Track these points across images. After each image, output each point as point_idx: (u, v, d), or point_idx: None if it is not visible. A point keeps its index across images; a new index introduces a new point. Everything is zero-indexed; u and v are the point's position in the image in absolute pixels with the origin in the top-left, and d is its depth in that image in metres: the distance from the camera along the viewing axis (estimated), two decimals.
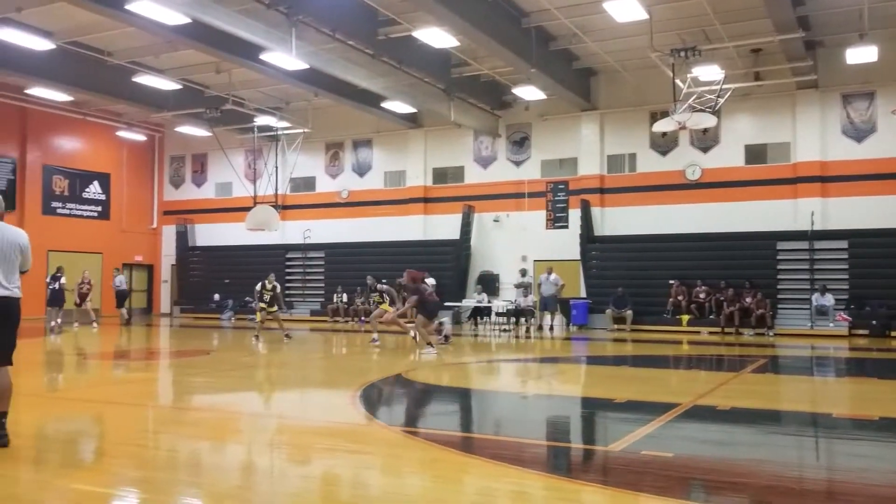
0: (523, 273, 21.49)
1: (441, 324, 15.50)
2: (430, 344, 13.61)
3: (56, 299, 19.37)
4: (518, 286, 20.97)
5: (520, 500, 4.77)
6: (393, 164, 26.43)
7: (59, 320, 19.39)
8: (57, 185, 26.84)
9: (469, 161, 25.28)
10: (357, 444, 6.34)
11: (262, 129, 25.54)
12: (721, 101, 17.09)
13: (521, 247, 23.84)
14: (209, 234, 29.39)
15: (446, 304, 22.14)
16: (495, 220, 24.56)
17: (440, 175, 25.75)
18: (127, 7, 14.97)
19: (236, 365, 12.82)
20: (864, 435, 7.05)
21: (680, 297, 20.89)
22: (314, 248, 27.06)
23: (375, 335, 15.50)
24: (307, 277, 27.21)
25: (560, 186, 23.43)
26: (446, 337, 15.25)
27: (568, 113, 23.38)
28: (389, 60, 18.91)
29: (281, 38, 16.29)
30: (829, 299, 19.66)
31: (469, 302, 21.93)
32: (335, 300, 24.96)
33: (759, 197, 21.34)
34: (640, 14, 15.74)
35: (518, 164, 24.55)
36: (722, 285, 20.49)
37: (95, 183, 28.18)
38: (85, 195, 27.82)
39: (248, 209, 24.74)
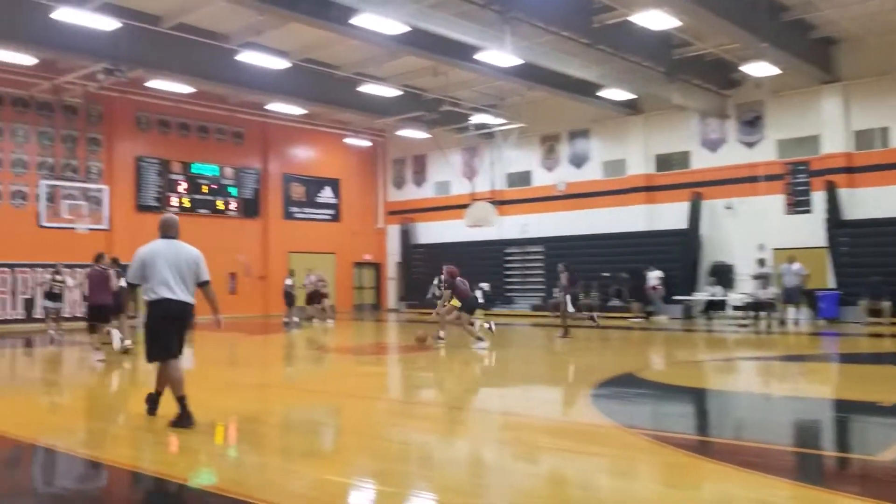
0: (761, 263, 19.83)
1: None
2: (479, 338, 13.59)
3: (290, 298, 21.21)
4: (756, 277, 19.40)
5: None
6: (612, 154, 25.66)
7: (294, 318, 21.09)
8: (294, 191, 29.13)
9: (695, 145, 23.88)
10: (590, 445, 6.08)
11: (478, 126, 25.89)
12: None
13: (757, 234, 22.09)
14: (430, 231, 30.39)
15: (674, 297, 21.13)
16: (727, 207, 22.97)
17: (663, 162, 24.58)
18: (351, 21, 15.78)
19: (464, 360, 12.98)
20: None
21: None
22: (532, 242, 27.00)
23: (441, 332, 14.52)
24: (526, 272, 27.23)
25: (800, 167, 21.39)
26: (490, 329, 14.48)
27: (806, 87, 21.27)
28: (605, 48, 18.35)
29: (495, 36, 16.37)
30: None
31: (701, 295, 20.68)
32: (556, 294, 24.70)
33: None
34: None
35: (750, 145, 22.78)
36: None
37: (328, 188, 30.22)
38: (318, 200, 29.93)
39: (466, 206, 25.21)
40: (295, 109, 24.76)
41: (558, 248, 25.94)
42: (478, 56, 18.15)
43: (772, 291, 18.92)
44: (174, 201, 24.92)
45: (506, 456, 5.98)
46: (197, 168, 25.77)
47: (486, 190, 25.75)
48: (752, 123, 22.66)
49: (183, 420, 6.58)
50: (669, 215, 23.75)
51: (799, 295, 18.98)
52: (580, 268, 24.58)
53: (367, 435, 6.70)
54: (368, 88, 22.63)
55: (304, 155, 29.52)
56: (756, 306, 18.91)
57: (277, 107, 24.50)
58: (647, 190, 24.58)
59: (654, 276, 21.98)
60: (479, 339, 13.76)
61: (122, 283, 12.32)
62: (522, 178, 27.72)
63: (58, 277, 17.09)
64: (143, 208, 24.14)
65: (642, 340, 16.35)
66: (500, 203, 26.45)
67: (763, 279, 19.02)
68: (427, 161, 30.64)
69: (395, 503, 4.69)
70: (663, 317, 21.68)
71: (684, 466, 5.40)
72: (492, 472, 5.47)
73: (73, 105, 22.30)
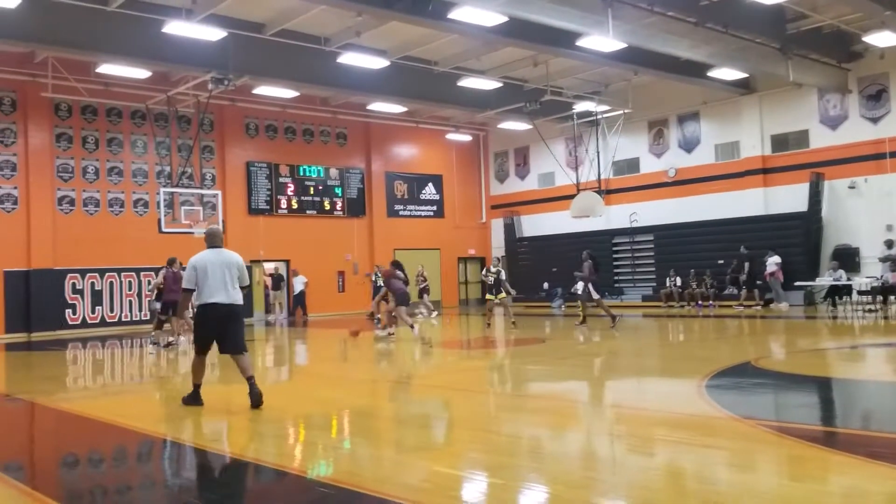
0: (889, 244, 18.55)
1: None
2: (412, 326, 14.74)
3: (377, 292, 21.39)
4: (884, 260, 18.16)
5: None
6: (724, 136, 24.61)
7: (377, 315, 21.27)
8: (398, 189, 29.50)
9: (814, 123, 22.57)
10: (705, 437, 5.82)
11: (582, 115, 25.41)
12: None
13: (885, 215, 20.67)
14: (535, 224, 30.09)
15: (795, 283, 20.11)
16: (851, 187, 21.60)
17: (780, 142, 23.36)
18: (449, 16, 15.78)
19: (572, 352, 12.77)
20: None
21: None
22: (641, 231, 26.27)
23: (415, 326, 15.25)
24: (636, 262, 26.54)
25: None
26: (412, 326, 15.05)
27: None
28: (714, 26, 17.59)
29: (596, 20, 15.94)
30: None
31: (824, 280, 19.51)
32: (668, 284, 24.00)
33: None
34: None
35: (875, 120, 21.33)
36: None
37: (430, 184, 30.44)
38: (422, 196, 30.19)
39: (571, 197, 24.79)
40: (396, 108, 25.05)
41: (669, 237, 25.18)
42: (579, 42, 17.80)
43: None
44: (283, 204, 25.75)
45: (617, 448, 5.82)
46: (303, 170, 26.51)
47: (592, 179, 25.24)
48: (876, 97, 21.23)
49: (194, 399, 7.60)
50: (788, 198, 22.56)
51: None
52: (695, 255, 23.86)
53: (478, 428, 6.67)
54: (468, 82, 22.61)
55: (406, 152, 29.85)
56: (884, 290, 17.74)
57: (379, 106, 24.86)
58: (764, 172, 23.45)
59: (772, 262, 20.96)
60: (412, 326, 14.74)
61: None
62: (630, 166, 27.01)
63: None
64: (254, 211, 25.07)
65: (760, 329, 15.62)
66: (607, 192, 25.87)
67: (891, 262, 17.81)
68: (529, 153, 30.37)
69: (507, 496, 4.62)
70: (783, 304, 20.64)
71: (808, 459, 5.10)
72: (604, 465, 5.32)
73: (187, 115, 23.37)
